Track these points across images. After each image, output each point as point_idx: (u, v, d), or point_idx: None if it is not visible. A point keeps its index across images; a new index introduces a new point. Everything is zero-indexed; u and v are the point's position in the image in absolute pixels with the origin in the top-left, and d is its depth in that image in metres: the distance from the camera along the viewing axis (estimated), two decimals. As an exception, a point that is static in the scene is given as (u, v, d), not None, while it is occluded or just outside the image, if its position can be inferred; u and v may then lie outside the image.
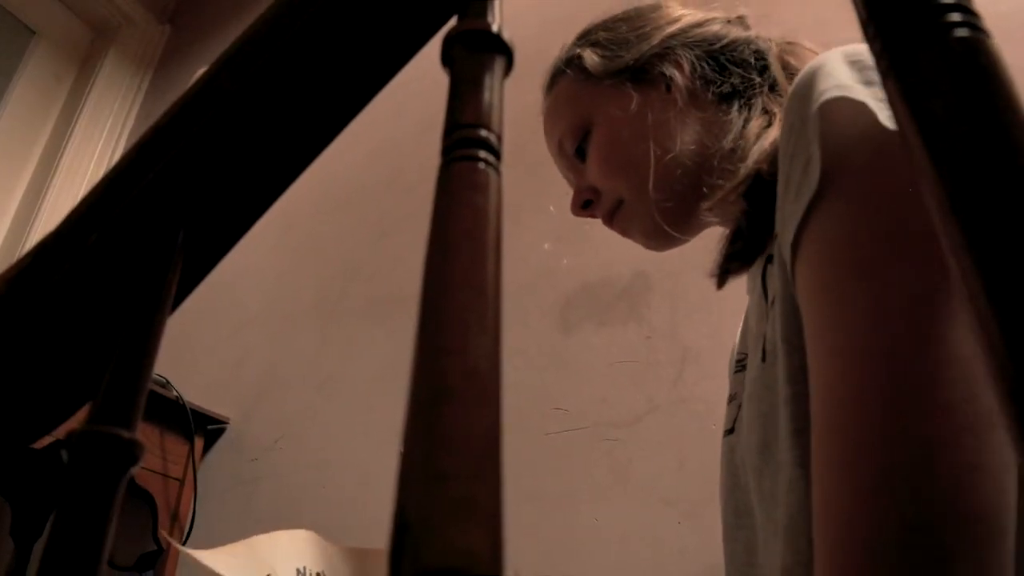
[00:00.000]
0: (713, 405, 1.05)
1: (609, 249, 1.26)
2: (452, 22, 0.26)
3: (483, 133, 0.22)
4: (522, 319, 1.27)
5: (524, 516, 1.08)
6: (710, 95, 0.63)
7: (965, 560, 0.29)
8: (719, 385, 1.07)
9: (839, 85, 0.41)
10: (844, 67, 0.42)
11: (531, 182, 1.40)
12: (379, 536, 1.23)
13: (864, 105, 0.39)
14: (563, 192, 1.37)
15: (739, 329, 0.69)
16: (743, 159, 0.55)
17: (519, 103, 1.46)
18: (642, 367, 1.13)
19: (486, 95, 0.23)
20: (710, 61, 0.65)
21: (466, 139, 0.22)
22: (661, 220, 0.64)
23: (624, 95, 0.65)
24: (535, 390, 1.20)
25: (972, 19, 0.19)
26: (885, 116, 0.38)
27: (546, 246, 1.33)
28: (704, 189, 0.60)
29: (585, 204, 0.70)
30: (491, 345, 0.18)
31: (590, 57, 0.67)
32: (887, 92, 0.19)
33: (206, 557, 0.63)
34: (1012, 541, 0.30)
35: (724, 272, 0.60)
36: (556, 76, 0.72)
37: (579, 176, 0.71)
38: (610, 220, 0.70)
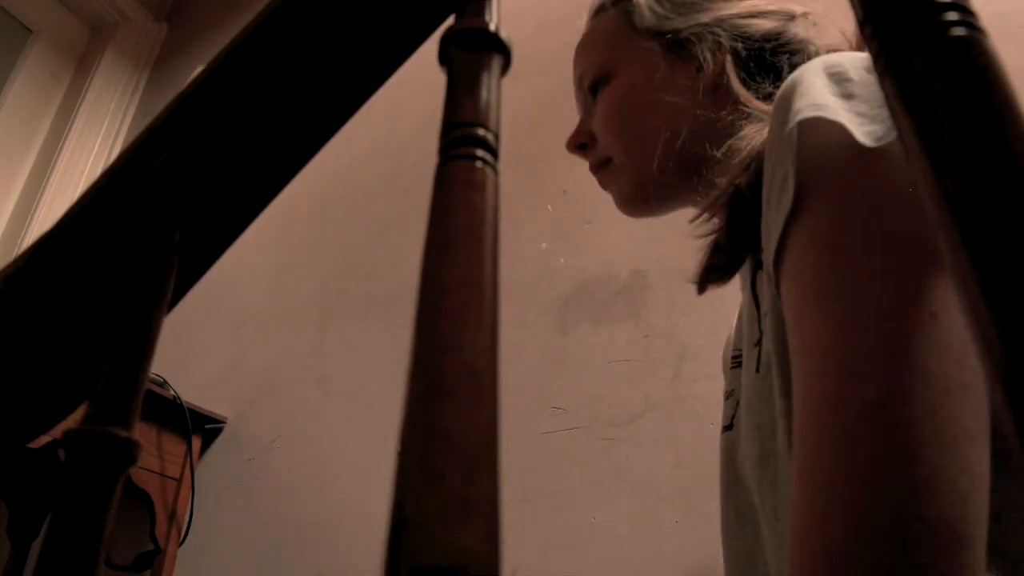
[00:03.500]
0: (711, 403, 1.05)
1: (607, 248, 1.26)
2: (450, 21, 0.26)
3: (480, 132, 0.22)
4: (520, 318, 1.27)
5: (521, 514, 1.08)
6: (737, 96, 0.60)
7: (920, 571, 0.30)
8: (717, 384, 1.07)
9: (815, 104, 0.41)
10: (822, 81, 0.42)
11: (529, 181, 1.40)
12: (377, 535, 1.23)
13: (838, 125, 0.39)
14: (561, 192, 1.37)
15: (734, 324, 0.69)
16: (725, 172, 0.54)
17: (517, 101, 1.46)
18: (640, 366, 1.13)
19: (483, 94, 0.23)
20: (753, 62, 0.62)
21: (463, 138, 0.22)
22: (644, 193, 0.64)
23: (653, 60, 0.64)
24: (533, 389, 1.20)
25: (969, 18, 0.19)
26: (862, 132, 0.39)
27: (544, 245, 1.33)
28: (699, 188, 0.59)
29: (580, 146, 0.70)
30: (488, 343, 0.18)
31: (640, 7, 0.65)
32: (884, 91, 0.19)
33: None
34: (981, 552, 0.31)
35: (704, 282, 0.61)
36: (602, 8, 0.70)
37: (586, 114, 0.70)
38: (596, 170, 0.70)
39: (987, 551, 0.32)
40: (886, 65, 0.19)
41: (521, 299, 1.29)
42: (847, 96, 0.41)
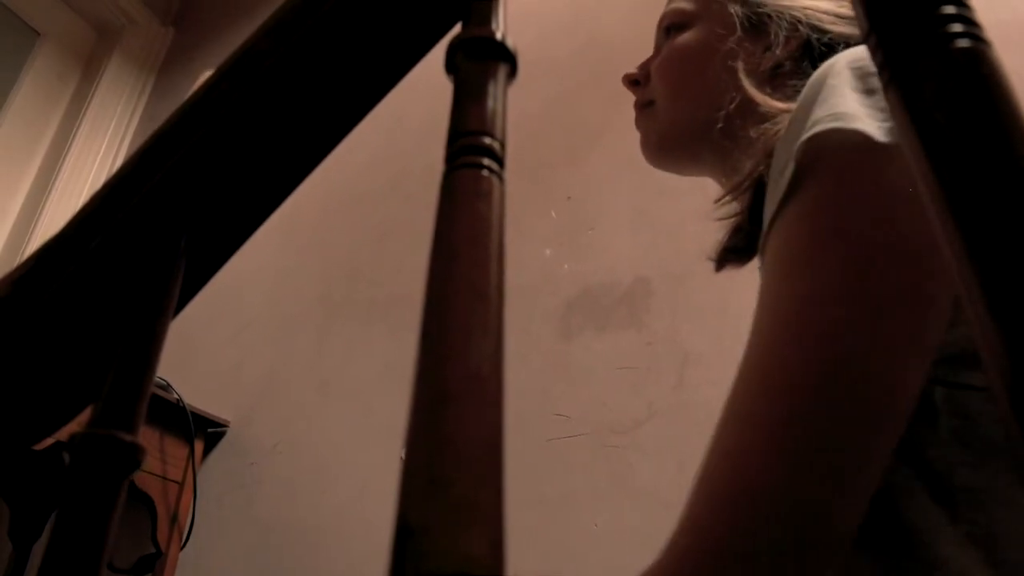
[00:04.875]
0: (714, 411, 1.05)
1: (610, 255, 1.26)
2: (456, 29, 0.27)
3: (486, 140, 0.22)
4: (523, 324, 1.27)
5: (525, 521, 1.08)
6: (792, 86, 0.59)
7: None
8: (720, 390, 1.07)
9: (833, 114, 0.41)
10: (846, 79, 0.43)
11: (533, 187, 1.40)
12: (378, 540, 1.23)
13: (853, 132, 0.40)
14: (565, 198, 1.37)
15: None
16: (753, 154, 0.55)
17: (520, 107, 1.47)
18: (643, 372, 1.13)
19: (489, 103, 0.23)
20: (821, 58, 0.60)
21: (469, 146, 0.22)
22: (670, 143, 0.66)
23: (732, 24, 0.64)
24: (536, 395, 1.20)
25: (973, 29, 0.19)
26: (877, 128, 0.39)
27: (547, 252, 1.33)
28: (725, 162, 0.60)
29: (634, 82, 0.72)
30: (493, 349, 0.18)
31: None
32: (889, 102, 0.20)
33: None
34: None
35: (721, 261, 0.62)
36: None
37: (655, 54, 0.71)
38: (638, 109, 0.71)
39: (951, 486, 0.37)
40: (891, 76, 0.19)
41: (524, 305, 1.29)
42: (869, 91, 0.41)
